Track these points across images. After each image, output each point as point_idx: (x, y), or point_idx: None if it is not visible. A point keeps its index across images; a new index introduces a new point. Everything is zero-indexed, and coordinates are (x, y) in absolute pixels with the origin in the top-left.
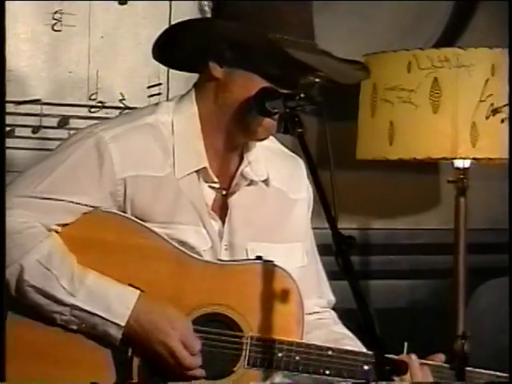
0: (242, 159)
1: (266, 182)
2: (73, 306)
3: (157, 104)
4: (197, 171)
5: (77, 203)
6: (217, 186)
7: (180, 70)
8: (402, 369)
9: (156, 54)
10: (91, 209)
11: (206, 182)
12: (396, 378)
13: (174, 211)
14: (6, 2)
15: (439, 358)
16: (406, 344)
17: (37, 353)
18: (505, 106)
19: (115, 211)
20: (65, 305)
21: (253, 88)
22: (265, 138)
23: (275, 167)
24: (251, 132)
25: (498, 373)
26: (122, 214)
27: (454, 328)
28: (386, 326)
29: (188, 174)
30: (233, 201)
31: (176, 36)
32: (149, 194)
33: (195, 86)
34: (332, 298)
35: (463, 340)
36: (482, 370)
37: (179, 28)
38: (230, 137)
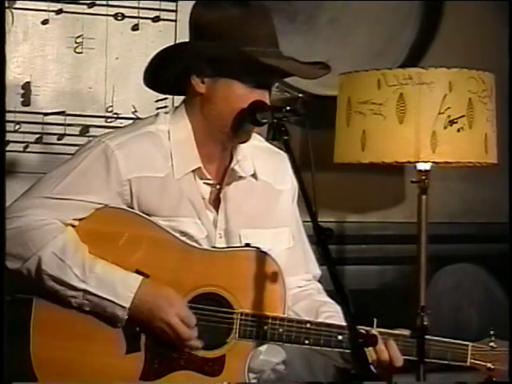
0: (232, 158)
1: (254, 176)
2: (85, 291)
3: (156, 115)
4: (193, 171)
5: (88, 201)
6: (211, 182)
7: (169, 93)
8: (373, 341)
9: (147, 82)
10: (102, 206)
11: (202, 179)
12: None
13: (174, 206)
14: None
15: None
16: (375, 320)
17: (58, 329)
18: (460, 117)
19: (123, 207)
20: (78, 290)
21: (232, 97)
22: (246, 141)
23: (262, 163)
24: (235, 136)
25: (454, 340)
26: (129, 209)
27: (416, 306)
28: (359, 305)
29: (185, 174)
30: (225, 194)
31: (160, 63)
32: (152, 192)
33: (184, 101)
34: (318, 272)
35: (422, 313)
36: (440, 338)
37: (161, 55)
38: (219, 141)
